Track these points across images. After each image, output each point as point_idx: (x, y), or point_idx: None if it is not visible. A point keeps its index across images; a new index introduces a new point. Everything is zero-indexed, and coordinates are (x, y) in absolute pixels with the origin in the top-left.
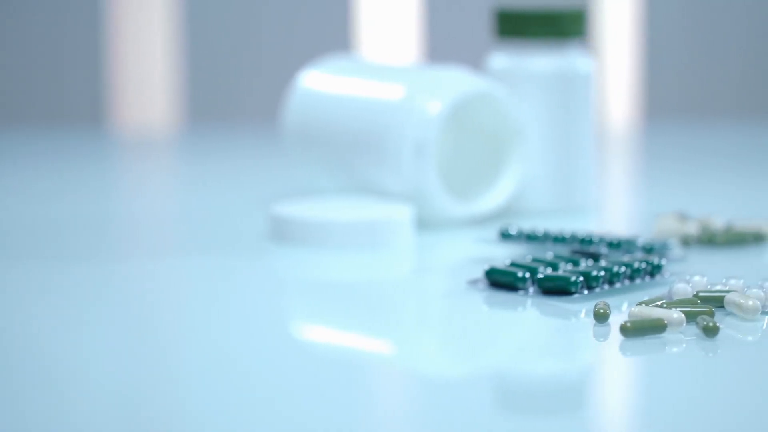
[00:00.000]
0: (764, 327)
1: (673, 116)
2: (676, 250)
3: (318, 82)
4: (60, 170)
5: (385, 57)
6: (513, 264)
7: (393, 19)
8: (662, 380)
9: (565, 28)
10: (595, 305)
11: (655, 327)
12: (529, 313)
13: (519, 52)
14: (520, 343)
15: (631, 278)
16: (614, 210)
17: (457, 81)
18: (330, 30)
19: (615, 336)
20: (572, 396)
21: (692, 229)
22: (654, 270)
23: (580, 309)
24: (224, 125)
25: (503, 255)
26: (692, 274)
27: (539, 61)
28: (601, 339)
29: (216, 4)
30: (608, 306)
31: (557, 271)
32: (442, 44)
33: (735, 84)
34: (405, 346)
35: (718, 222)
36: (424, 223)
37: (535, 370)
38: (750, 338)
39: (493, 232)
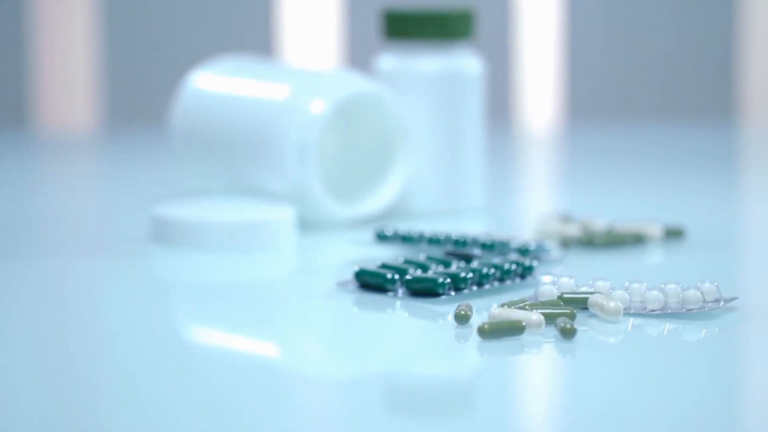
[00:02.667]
0: (628, 329)
1: (596, 118)
2: (553, 252)
3: (206, 82)
4: None
5: (276, 58)
6: (383, 266)
7: (313, 24)
8: (519, 382)
9: (453, 29)
10: (457, 307)
11: (513, 329)
12: (398, 314)
13: (407, 53)
14: (390, 345)
15: (501, 280)
16: (505, 211)
17: (342, 82)
18: (252, 34)
19: (477, 338)
20: (429, 399)
21: (573, 230)
22: (525, 271)
23: (447, 311)
24: (144, 127)
25: (383, 256)
26: (560, 275)
27: (427, 63)
28: (463, 341)
29: (137, 9)
30: (470, 308)
31: (427, 272)
32: (337, 46)
33: (657, 86)
34: (282, 348)
35: (600, 224)
36: (310, 225)
37: (398, 371)
38: (612, 340)
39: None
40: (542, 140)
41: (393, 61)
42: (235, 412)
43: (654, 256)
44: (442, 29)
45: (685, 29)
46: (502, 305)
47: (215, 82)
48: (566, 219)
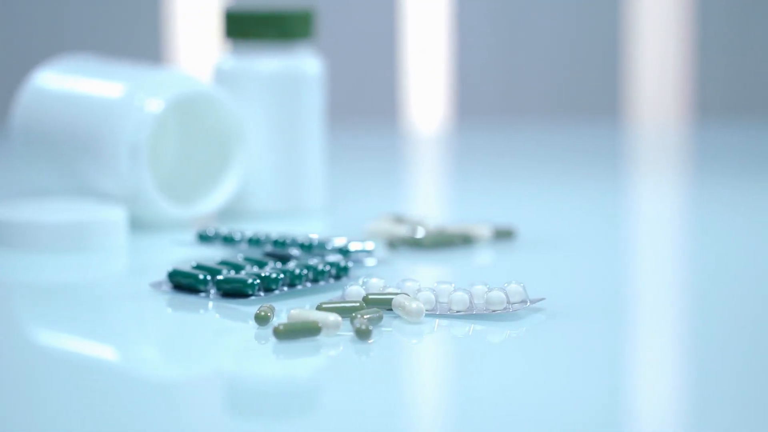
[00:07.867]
0: (434, 330)
1: (485, 117)
2: (379, 253)
3: (46, 81)
4: None
5: (120, 59)
6: (197, 266)
7: (202, 29)
8: (318, 383)
9: (292, 29)
10: (259, 308)
11: (309, 330)
12: (209, 315)
13: (246, 53)
14: (206, 346)
15: (315, 281)
16: (345, 212)
17: (177, 82)
18: (143, 39)
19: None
20: (265, 399)
21: (402, 231)
22: (339, 272)
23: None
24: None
25: (206, 257)
26: (371, 276)
27: (266, 63)
28: (263, 342)
29: (28, 15)
30: (271, 309)
31: (239, 273)
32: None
33: (548, 85)
34: (108, 349)
35: (432, 224)
36: (145, 225)
37: (221, 372)
38: (414, 341)
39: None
40: (428, 141)
41: (232, 60)
42: (70, 415)
43: (481, 257)
44: (282, 29)
45: (573, 29)
46: (320, 306)
47: (55, 81)
48: (398, 220)
